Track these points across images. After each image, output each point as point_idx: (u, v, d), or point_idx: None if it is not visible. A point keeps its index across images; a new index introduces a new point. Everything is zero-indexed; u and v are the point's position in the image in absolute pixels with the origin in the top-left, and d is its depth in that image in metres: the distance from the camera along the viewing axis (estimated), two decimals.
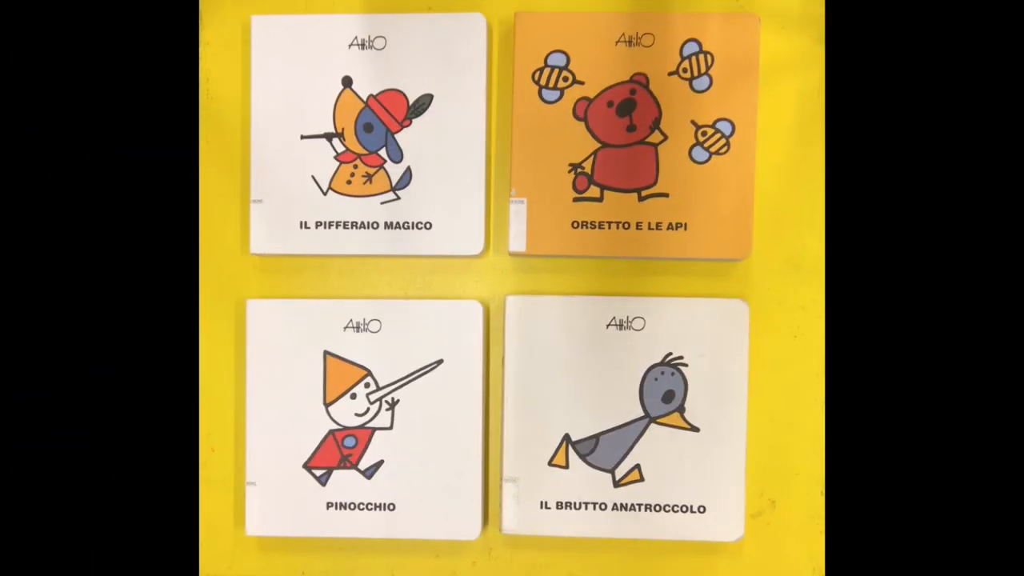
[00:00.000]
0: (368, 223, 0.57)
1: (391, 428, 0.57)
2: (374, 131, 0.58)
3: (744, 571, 0.58)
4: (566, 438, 0.57)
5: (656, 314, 0.56)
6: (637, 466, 0.57)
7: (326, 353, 0.58)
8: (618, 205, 0.56)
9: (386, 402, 0.57)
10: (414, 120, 0.57)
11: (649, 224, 0.56)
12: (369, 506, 0.58)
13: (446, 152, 0.57)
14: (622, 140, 0.56)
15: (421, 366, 0.57)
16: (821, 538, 0.58)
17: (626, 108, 0.56)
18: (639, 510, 0.57)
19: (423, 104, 0.57)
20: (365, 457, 0.58)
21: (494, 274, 0.59)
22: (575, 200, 0.56)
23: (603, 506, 0.57)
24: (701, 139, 0.56)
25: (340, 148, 0.58)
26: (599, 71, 0.56)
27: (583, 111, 0.56)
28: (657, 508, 0.57)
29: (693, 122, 0.56)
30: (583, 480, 0.57)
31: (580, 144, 0.56)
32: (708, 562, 0.58)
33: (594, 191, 0.56)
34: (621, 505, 0.57)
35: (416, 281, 0.59)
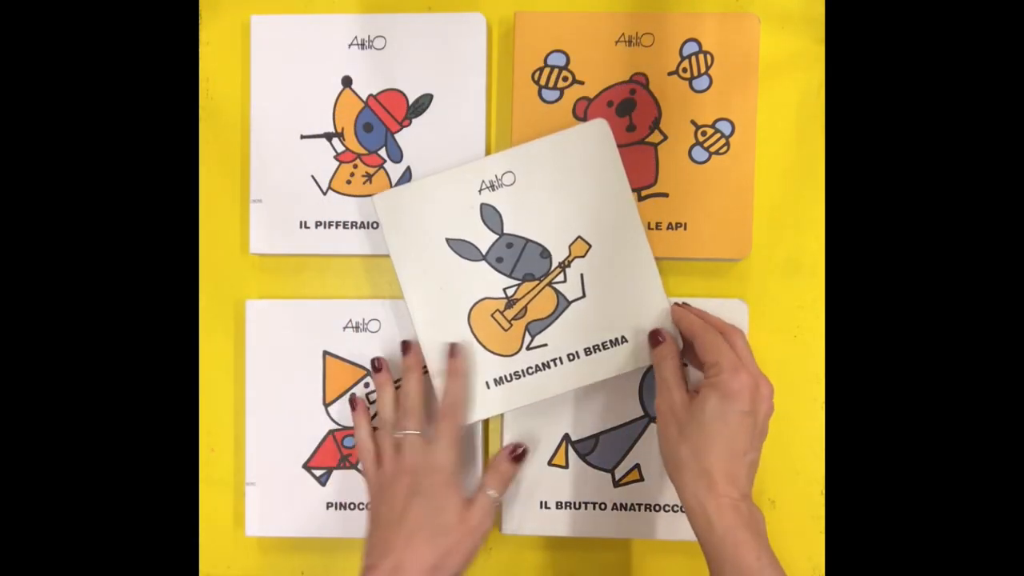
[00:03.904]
0: (368, 223, 0.57)
1: None
2: (374, 131, 0.58)
3: None
4: (566, 438, 0.57)
5: None
6: (637, 466, 0.57)
7: (326, 353, 0.58)
8: None
9: None
10: (414, 120, 0.57)
11: (649, 224, 0.56)
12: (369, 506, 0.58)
13: (446, 152, 0.57)
14: (622, 140, 0.56)
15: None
16: (821, 538, 0.58)
17: (626, 108, 0.56)
18: (639, 510, 0.57)
19: (423, 104, 0.57)
20: None
21: None
22: None
23: (603, 506, 0.57)
24: (701, 139, 0.56)
25: (340, 148, 0.58)
26: (599, 71, 0.56)
27: (583, 111, 0.56)
28: (657, 508, 0.57)
29: (693, 122, 0.56)
30: (583, 480, 0.57)
31: None
32: None
33: None
34: (621, 505, 0.57)
35: None
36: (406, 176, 0.57)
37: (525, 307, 0.54)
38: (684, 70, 0.56)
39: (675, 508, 0.57)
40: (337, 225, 0.57)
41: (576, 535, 0.57)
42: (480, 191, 0.54)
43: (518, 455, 0.54)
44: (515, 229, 0.54)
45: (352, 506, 0.58)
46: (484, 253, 0.54)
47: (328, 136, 0.58)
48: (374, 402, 0.57)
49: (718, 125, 0.56)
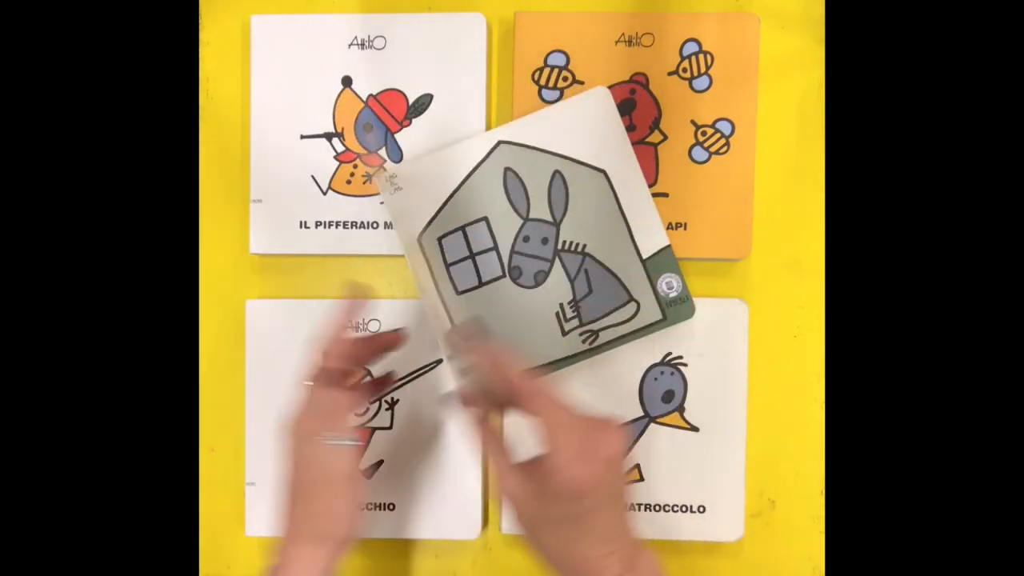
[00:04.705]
0: (368, 223, 0.57)
1: (391, 428, 0.57)
2: (374, 131, 0.58)
3: (744, 571, 0.58)
4: None
5: None
6: (637, 466, 0.57)
7: None
8: None
9: (386, 402, 0.57)
10: (414, 120, 0.57)
11: None
12: (369, 506, 0.58)
13: None
14: None
15: (420, 366, 0.57)
16: (821, 538, 0.58)
17: (626, 108, 0.56)
18: (639, 510, 0.57)
19: (423, 104, 0.57)
20: (365, 457, 0.58)
21: None
22: None
23: None
24: (701, 139, 0.56)
25: (340, 148, 0.58)
26: (599, 71, 0.56)
27: None
28: (657, 508, 0.57)
29: (693, 122, 0.56)
30: None
31: None
32: (708, 562, 0.58)
33: None
34: None
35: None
36: None
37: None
38: (684, 70, 0.56)
39: (675, 508, 0.57)
40: (337, 225, 0.57)
41: None
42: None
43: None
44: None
45: None
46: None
47: (328, 136, 0.58)
48: (374, 401, 0.57)
49: (718, 125, 0.56)
